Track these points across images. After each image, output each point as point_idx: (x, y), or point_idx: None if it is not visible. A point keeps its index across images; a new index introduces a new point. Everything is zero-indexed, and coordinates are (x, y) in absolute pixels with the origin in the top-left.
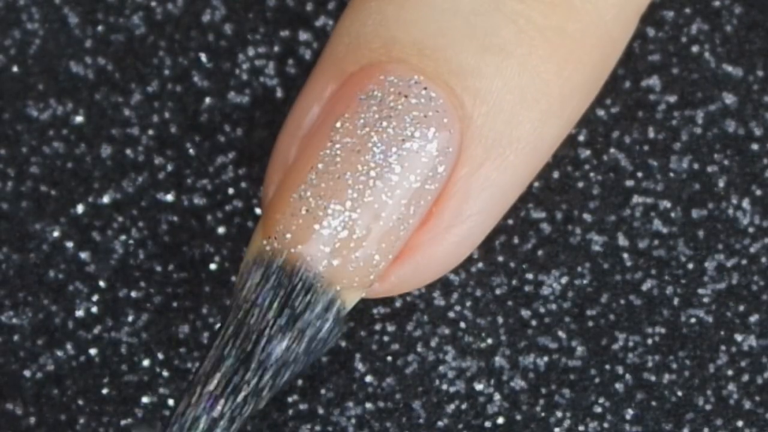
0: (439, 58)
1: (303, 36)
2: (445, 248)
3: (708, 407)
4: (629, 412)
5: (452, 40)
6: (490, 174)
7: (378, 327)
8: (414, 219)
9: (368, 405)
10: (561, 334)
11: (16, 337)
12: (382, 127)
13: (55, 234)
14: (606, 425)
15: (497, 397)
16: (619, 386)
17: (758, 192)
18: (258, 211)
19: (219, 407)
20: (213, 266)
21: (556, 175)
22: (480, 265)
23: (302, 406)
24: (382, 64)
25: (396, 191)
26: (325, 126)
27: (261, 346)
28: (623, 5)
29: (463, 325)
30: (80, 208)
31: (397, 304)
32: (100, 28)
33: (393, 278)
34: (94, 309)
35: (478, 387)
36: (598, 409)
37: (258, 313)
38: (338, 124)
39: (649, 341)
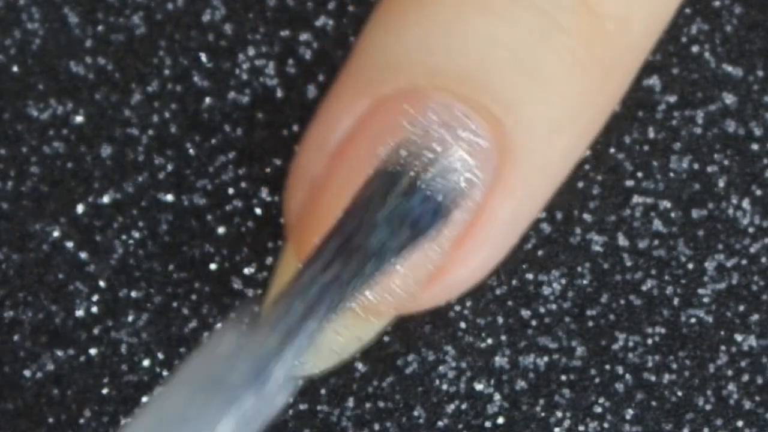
0: (484, 89)
1: (303, 36)
2: (472, 268)
3: (708, 407)
4: (629, 412)
5: (498, 72)
6: (520, 199)
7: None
8: (447, 245)
9: (368, 405)
10: (561, 334)
11: (16, 337)
12: (425, 157)
13: (55, 234)
14: (606, 425)
15: (497, 397)
16: (619, 386)
17: (758, 192)
18: (258, 211)
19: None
20: (213, 266)
21: None
22: None
23: (302, 407)
24: (427, 92)
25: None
26: (363, 148)
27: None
28: (651, 31)
29: (463, 325)
30: (80, 208)
31: None
32: (100, 27)
33: (421, 298)
34: (94, 309)
35: (478, 387)
36: (598, 409)
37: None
38: (381, 151)
39: (649, 341)
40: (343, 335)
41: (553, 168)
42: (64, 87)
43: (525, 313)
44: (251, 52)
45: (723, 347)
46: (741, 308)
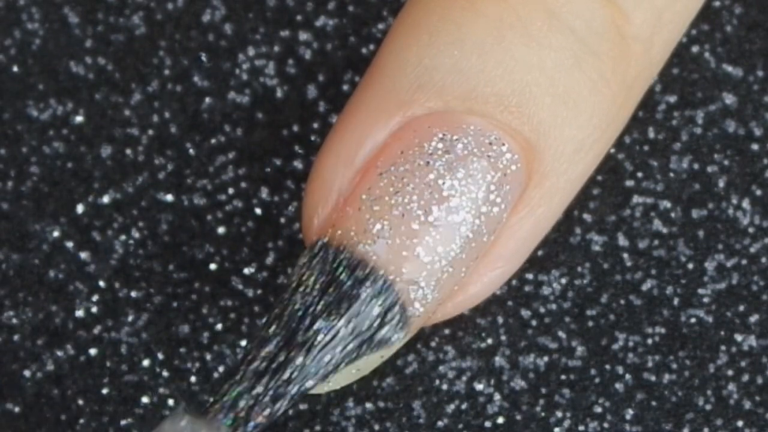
0: (520, 114)
1: (303, 36)
2: (486, 284)
3: (708, 407)
4: (629, 412)
5: (534, 97)
6: (539, 217)
7: None
8: (472, 264)
9: (368, 405)
10: (561, 334)
11: (16, 337)
12: (457, 179)
13: (55, 234)
14: (606, 425)
15: (497, 397)
16: (619, 386)
17: (758, 192)
18: (258, 211)
19: (261, 386)
20: (213, 266)
21: None
22: None
23: (302, 407)
24: (463, 116)
25: (462, 245)
26: (390, 164)
27: (305, 325)
28: (669, 49)
29: (463, 324)
30: (80, 208)
31: None
32: (100, 27)
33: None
34: (94, 309)
35: (478, 387)
36: (598, 409)
37: (303, 292)
38: (412, 170)
39: (649, 341)
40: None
41: (573, 186)
42: (64, 87)
43: (525, 313)
44: (251, 52)
45: (723, 347)
46: (741, 308)
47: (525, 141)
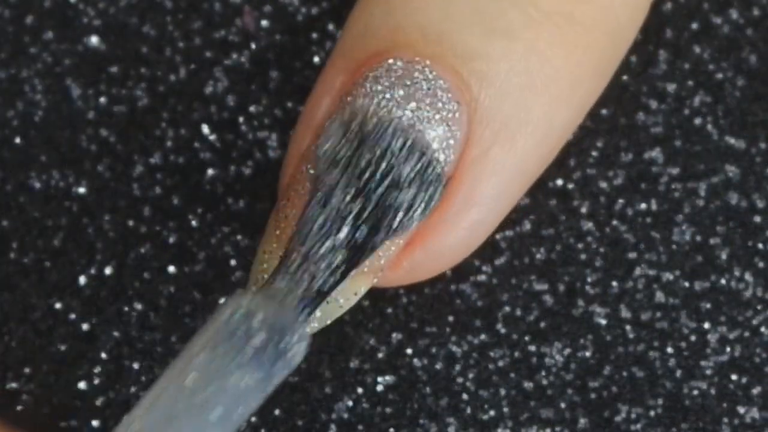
0: (444, 43)
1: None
2: (457, 234)
3: None
4: None
5: (458, 25)
6: (499, 158)
7: (380, 398)
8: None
9: None
10: (563, 406)
11: (18, 408)
12: (389, 113)
13: (58, 306)
14: None
15: None
16: None
17: (761, 264)
18: None
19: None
20: None
21: (558, 247)
22: (483, 336)
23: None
24: (388, 51)
25: None
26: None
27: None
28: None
29: (465, 396)
30: (83, 280)
31: (402, 371)
32: (102, 99)
33: (405, 264)
34: (97, 381)
35: None
36: None
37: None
38: (346, 195)
39: (652, 413)
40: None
41: (541, 131)
42: (67, 158)
43: (527, 384)
44: (254, 123)
45: (725, 419)
46: (743, 380)
47: (452, 69)
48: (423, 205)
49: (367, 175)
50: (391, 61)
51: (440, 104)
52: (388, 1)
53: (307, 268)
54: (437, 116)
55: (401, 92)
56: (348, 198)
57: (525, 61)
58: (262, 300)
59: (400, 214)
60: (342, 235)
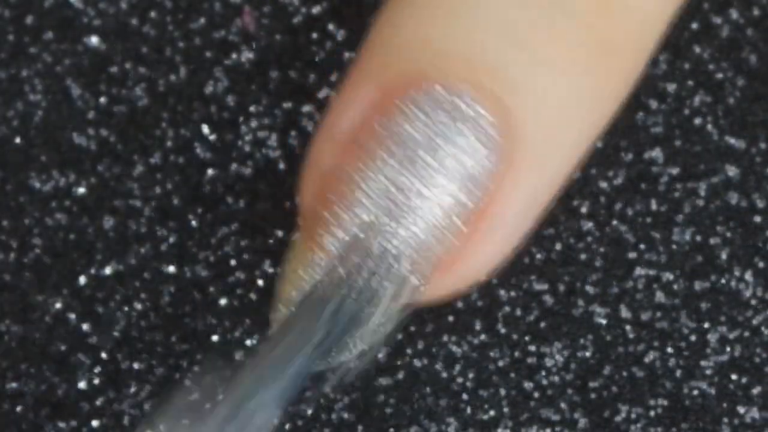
0: (488, 72)
1: (305, 108)
2: (486, 255)
3: None
4: None
5: (502, 54)
6: (531, 182)
7: (380, 398)
8: (460, 232)
9: None
10: (563, 406)
11: (18, 408)
12: (431, 140)
13: (57, 305)
14: None
15: None
16: None
17: (761, 264)
18: (261, 283)
19: None
20: (215, 338)
21: (558, 247)
22: (482, 336)
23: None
24: (431, 76)
25: (447, 211)
26: (367, 134)
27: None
28: (661, 14)
29: (465, 396)
30: (82, 280)
31: (400, 375)
32: (102, 99)
33: (432, 287)
34: (97, 380)
35: None
36: None
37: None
38: (385, 134)
39: (652, 413)
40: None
41: (565, 154)
42: (67, 158)
43: (527, 385)
44: (254, 123)
45: (726, 419)
46: (743, 380)
47: (496, 98)
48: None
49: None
50: (433, 87)
51: (482, 133)
52: (429, 24)
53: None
54: (478, 146)
55: (443, 119)
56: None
57: (564, 90)
58: None
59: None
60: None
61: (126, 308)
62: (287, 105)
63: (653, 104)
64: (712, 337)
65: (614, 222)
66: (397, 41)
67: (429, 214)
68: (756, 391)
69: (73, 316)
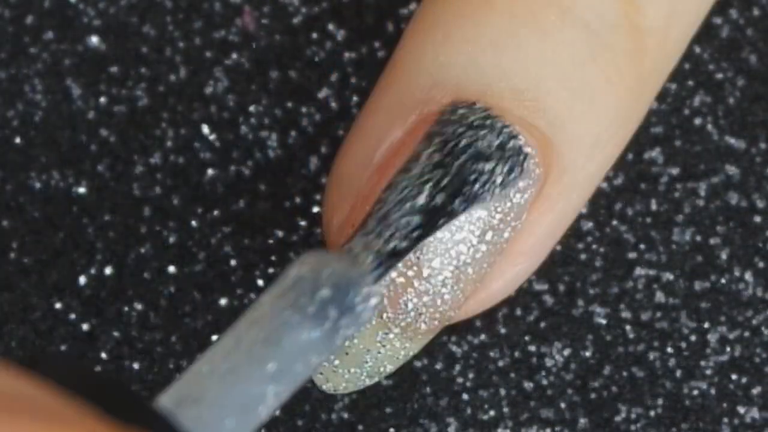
0: (535, 108)
1: (305, 108)
2: (507, 280)
3: None
4: None
5: (549, 90)
6: (558, 212)
7: (380, 398)
8: (492, 261)
9: None
10: (563, 406)
11: None
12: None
13: (58, 306)
14: None
15: None
16: None
17: (761, 264)
18: (260, 282)
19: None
20: (215, 338)
21: (558, 247)
22: (483, 336)
23: None
24: (477, 104)
25: (481, 242)
26: (410, 160)
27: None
28: (684, 39)
29: (465, 396)
30: (83, 280)
31: (402, 372)
32: (102, 99)
33: (466, 305)
34: None
35: None
36: None
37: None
38: (429, 163)
39: (652, 413)
40: (387, 351)
41: (591, 180)
42: (67, 158)
43: (527, 385)
44: (253, 123)
45: (725, 419)
46: (743, 380)
47: (541, 135)
48: (502, 177)
49: (449, 146)
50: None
51: (526, 169)
52: (475, 53)
53: (382, 229)
54: (521, 182)
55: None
56: (430, 166)
57: (599, 125)
58: (333, 257)
59: (478, 185)
60: (420, 200)
61: (126, 308)
62: (287, 105)
63: (653, 104)
64: (712, 337)
65: (614, 222)
66: (442, 71)
67: (465, 239)
68: (756, 391)
69: (73, 316)
